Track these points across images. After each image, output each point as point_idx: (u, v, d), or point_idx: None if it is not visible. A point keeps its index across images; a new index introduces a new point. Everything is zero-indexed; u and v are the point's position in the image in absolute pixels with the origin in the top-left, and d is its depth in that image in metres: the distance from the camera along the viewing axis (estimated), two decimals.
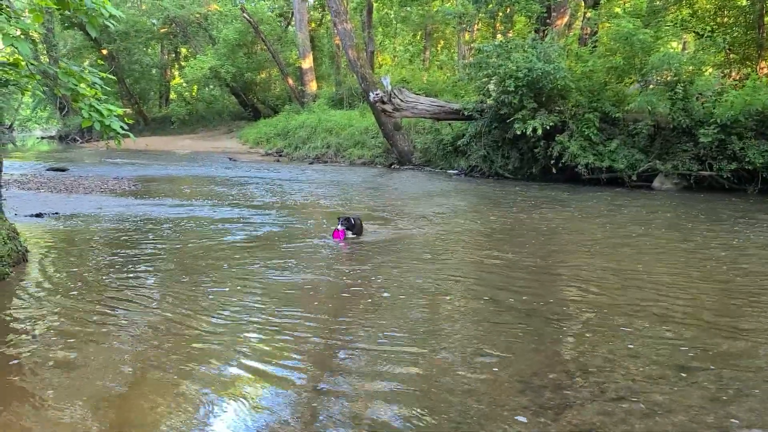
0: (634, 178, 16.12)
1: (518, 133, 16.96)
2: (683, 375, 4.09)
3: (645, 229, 10.10)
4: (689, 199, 14.01)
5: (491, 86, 17.94)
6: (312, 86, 36.16)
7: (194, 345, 4.56)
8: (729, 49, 19.52)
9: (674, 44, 23.54)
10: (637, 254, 8.09)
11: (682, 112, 15.52)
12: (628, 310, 5.53)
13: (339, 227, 8.36)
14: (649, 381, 3.98)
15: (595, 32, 21.58)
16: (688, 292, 6.21)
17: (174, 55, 50.57)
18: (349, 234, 8.48)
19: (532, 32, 20.69)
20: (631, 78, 18.17)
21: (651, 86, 16.91)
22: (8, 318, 5.23)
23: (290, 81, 37.21)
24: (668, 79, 16.38)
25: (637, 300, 5.88)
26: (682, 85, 15.74)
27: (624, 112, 16.77)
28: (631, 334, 4.88)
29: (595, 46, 19.46)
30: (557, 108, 17.10)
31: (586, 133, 16.45)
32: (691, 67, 16.68)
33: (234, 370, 4.09)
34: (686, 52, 21.89)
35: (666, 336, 4.86)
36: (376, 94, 20.85)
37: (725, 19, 20.44)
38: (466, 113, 19.48)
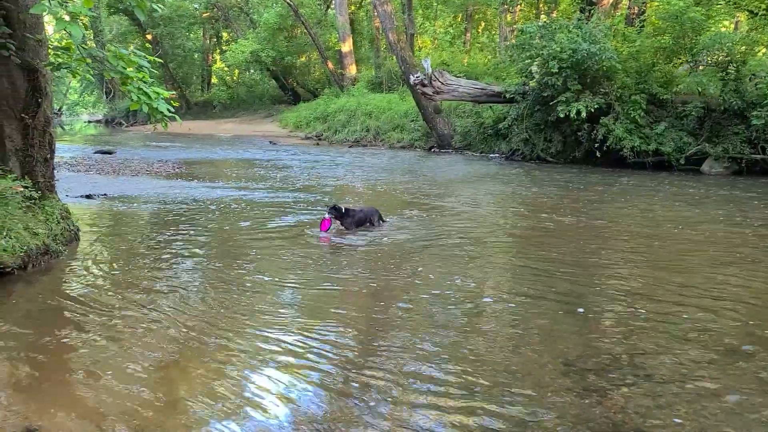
0: (682, 161, 15.69)
1: (561, 116, 16.66)
2: (733, 360, 4.00)
3: (695, 213, 9.85)
4: (741, 184, 13.58)
5: (534, 68, 17.62)
6: (351, 69, 36.09)
7: (218, 342, 4.43)
8: None
9: (726, 23, 22.72)
10: (686, 239, 7.90)
11: (733, 94, 15.00)
12: (676, 296, 5.42)
13: (326, 216, 7.76)
14: (698, 366, 3.90)
15: (643, 11, 20.97)
16: (739, 277, 6.05)
17: (216, 40, 51.11)
18: (337, 224, 7.94)
19: (577, 12, 20.20)
20: (680, 58, 17.61)
21: (701, 67, 16.39)
22: (63, 294, 5.43)
23: (330, 64, 37.24)
24: (719, 59, 15.83)
25: (685, 285, 5.75)
26: (735, 65, 15.21)
27: (672, 93, 16.30)
28: (680, 320, 4.78)
29: (642, 26, 18.92)
30: (602, 90, 16.71)
31: (632, 115, 16.04)
32: (743, 47, 16.09)
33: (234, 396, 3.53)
34: (739, 31, 21.11)
35: (715, 321, 4.74)
36: (417, 77, 20.72)
37: None
38: (507, 96, 19.23)
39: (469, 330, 4.58)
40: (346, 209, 8.01)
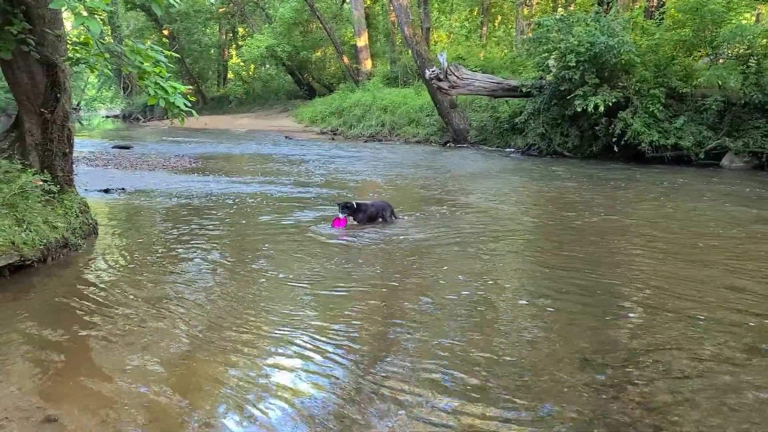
0: (701, 156, 15.47)
1: (578, 110, 16.49)
2: (753, 356, 3.94)
3: (715, 207, 9.72)
4: (762, 178, 13.37)
5: (551, 62, 17.46)
6: (367, 64, 36.02)
7: (230, 341, 4.42)
8: None
9: (747, 15, 22.37)
10: (706, 235, 7.80)
11: (754, 87, 14.76)
12: (695, 292, 5.35)
13: (339, 215, 7.77)
14: (717, 362, 3.86)
15: (663, 4, 20.68)
16: (759, 274, 5.96)
17: (231, 35, 51.34)
18: (351, 220, 7.90)
19: (595, 5, 19.99)
20: (700, 51, 17.36)
21: (721, 60, 16.15)
22: (81, 287, 5.49)
23: (345, 59, 37.19)
24: (740, 52, 15.59)
25: (704, 281, 5.68)
26: (756, 58, 14.97)
27: (692, 87, 16.07)
28: (698, 316, 4.71)
29: (662, 19, 18.67)
30: (620, 84, 16.51)
31: (650, 109, 15.84)
32: (765, 40, 15.81)
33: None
34: (760, 23, 20.79)
35: (735, 317, 4.68)
36: (432, 72, 20.64)
37: None
38: (524, 90, 19.08)
39: (486, 326, 4.56)
40: (357, 204, 7.96)
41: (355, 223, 7.99)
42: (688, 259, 6.54)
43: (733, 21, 16.93)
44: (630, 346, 4.11)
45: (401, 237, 7.57)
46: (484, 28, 37.81)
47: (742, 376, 3.64)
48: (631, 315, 4.80)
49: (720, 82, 15.31)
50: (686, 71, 16.56)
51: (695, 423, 3.14)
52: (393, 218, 8.29)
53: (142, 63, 6.13)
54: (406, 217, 8.64)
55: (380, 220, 8.17)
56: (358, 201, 8.09)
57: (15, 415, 3.18)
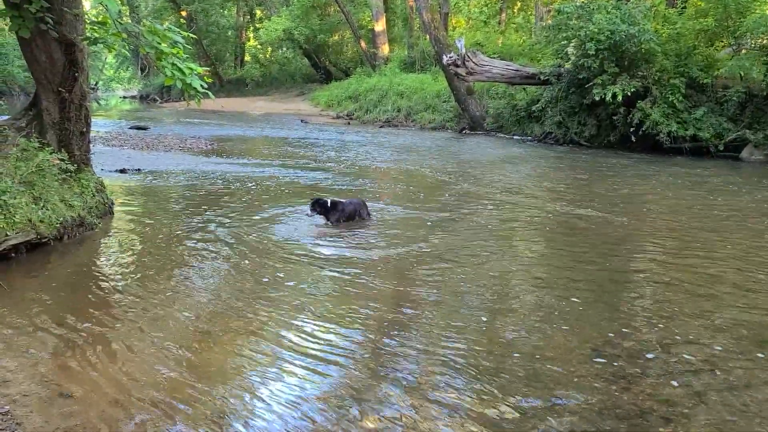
0: (720, 148, 15.23)
1: (597, 99, 16.27)
2: (766, 352, 3.90)
3: (732, 200, 9.59)
4: None
5: (570, 49, 17.22)
6: (384, 49, 35.79)
7: (236, 326, 4.51)
8: None
9: None
10: (722, 229, 7.71)
11: None
12: (709, 286, 5.30)
13: (308, 213, 7.13)
14: (730, 356, 3.83)
15: None
16: None
17: (249, 17, 51.19)
18: (321, 220, 7.25)
19: None
20: (722, 41, 17.04)
21: (744, 50, 15.84)
22: (95, 267, 5.55)
23: (362, 43, 36.99)
24: (764, 43, 15.28)
25: (719, 276, 5.63)
26: None
27: (713, 77, 15.78)
28: (712, 310, 4.67)
29: (684, 7, 18.36)
30: (640, 73, 16.26)
31: (670, 99, 15.59)
32: None
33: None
34: None
35: (749, 313, 4.64)
36: (450, 57, 20.47)
37: None
38: (542, 78, 18.89)
39: (499, 314, 4.56)
40: (332, 203, 7.25)
41: (328, 223, 7.26)
42: (703, 253, 6.47)
43: (758, 11, 16.58)
44: (642, 339, 4.09)
45: (416, 226, 7.56)
46: (503, 15, 37.37)
47: (755, 372, 3.61)
48: (644, 308, 4.76)
49: (742, 73, 15.03)
50: (707, 61, 16.25)
51: (705, 416, 3.12)
52: (368, 216, 7.70)
53: (160, 43, 6.13)
54: (393, 209, 8.58)
55: (357, 217, 7.56)
56: (333, 199, 7.38)
57: (30, 390, 3.24)
